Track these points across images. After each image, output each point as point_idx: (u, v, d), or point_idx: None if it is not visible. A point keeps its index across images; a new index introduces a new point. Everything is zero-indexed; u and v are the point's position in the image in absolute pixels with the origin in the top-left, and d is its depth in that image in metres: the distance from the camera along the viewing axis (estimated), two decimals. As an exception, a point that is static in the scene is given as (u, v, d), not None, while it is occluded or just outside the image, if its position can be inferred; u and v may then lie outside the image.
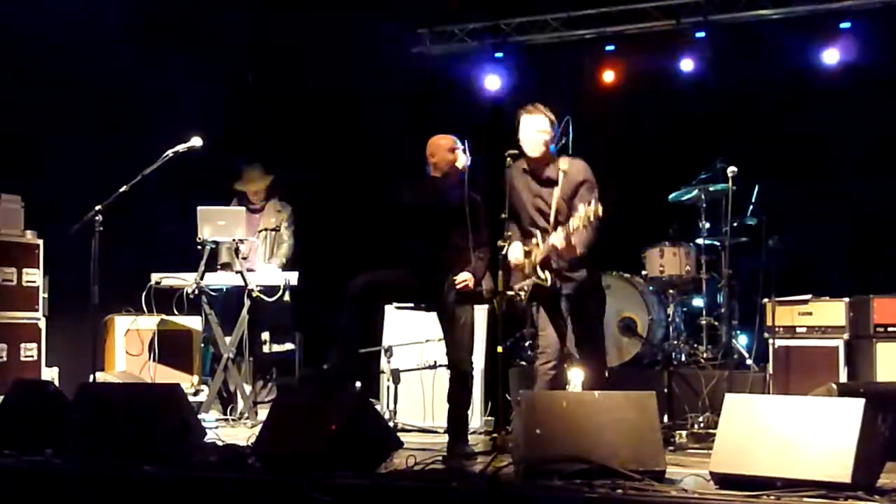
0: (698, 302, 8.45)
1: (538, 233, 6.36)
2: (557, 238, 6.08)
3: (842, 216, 9.01)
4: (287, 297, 8.31)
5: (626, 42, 10.20)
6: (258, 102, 10.53)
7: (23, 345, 7.90)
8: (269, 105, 10.53)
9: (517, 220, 6.49)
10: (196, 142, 7.21)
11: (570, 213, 6.14)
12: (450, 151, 6.58)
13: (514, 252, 6.34)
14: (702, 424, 7.10)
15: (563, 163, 6.38)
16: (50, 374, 8.05)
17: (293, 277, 8.17)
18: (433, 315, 6.76)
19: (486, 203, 6.64)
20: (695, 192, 8.34)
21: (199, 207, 8.07)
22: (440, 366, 6.91)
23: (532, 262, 6.32)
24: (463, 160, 6.53)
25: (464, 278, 6.44)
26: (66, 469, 5.66)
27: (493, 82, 10.58)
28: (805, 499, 4.54)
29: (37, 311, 8.03)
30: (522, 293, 6.44)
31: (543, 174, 6.40)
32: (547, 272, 6.28)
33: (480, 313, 7.72)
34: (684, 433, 6.89)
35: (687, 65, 9.84)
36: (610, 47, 10.24)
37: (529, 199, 6.47)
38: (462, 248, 6.49)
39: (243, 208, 8.48)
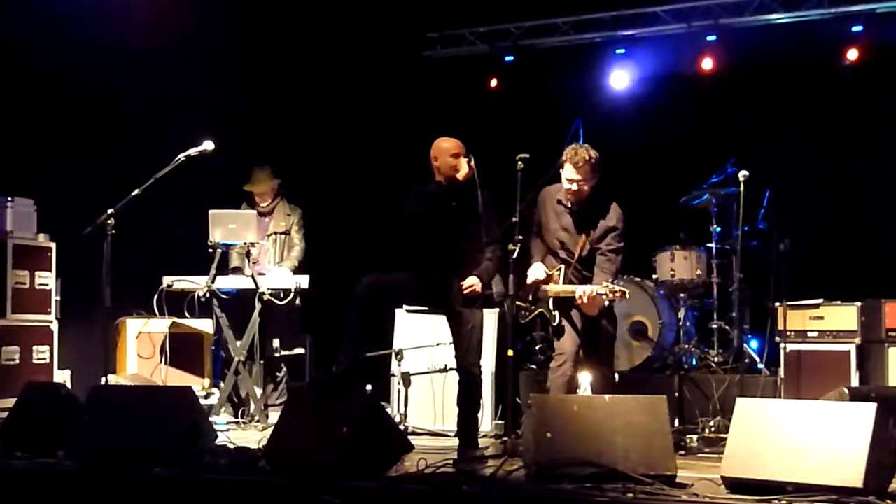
0: (709, 306, 8.44)
1: (560, 264, 6.60)
2: (581, 292, 6.27)
3: (854, 220, 9.00)
4: (298, 301, 8.34)
5: (636, 46, 10.19)
6: (269, 105, 10.54)
7: (35, 347, 7.93)
8: (279, 108, 10.55)
9: (542, 238, 6.70)
10: (208, 145, 7.22)
11: (594, 251, 6.49)
12: (453, 157, 6.55)
13: (536, 272, 6.58)
14: (712, 429, 7.10)
15: (598, 206, 6.55)
16: (62, 376, 8.07)
17: (304, 280, 8.18)
18: (444, 318, 6.75)
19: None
20: (706, 196, 8.33)
21: (210, 211, 8.09)
22: (451, 369, 6.91)
23: (547, 291, 6.55)
24: (465, 170, 6.50)
25: (470, 283, 6.41)
26: (78, 471, 5.67)
27: (503, 86, 10.58)
28: (816, 503, 4.53)
29: (49, 313, 8.06)
30: (527, 314, 6.68)
31: (576, 211, 6.60)
32: (556, 312, 6.54)
33: (491, 316, 7.72)
34: (695, 437, 6.90)
35: (697, 69, 9.82)
36: (620, 51, 10.23)
37: (557, 227, 6.66)
38: (469, 250, 6.48)
39: (254, 212, 8.50)
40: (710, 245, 8.37)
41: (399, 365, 7.66)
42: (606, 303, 6.36)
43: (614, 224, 6.57)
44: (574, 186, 6.51)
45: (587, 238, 6.54)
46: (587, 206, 6.58)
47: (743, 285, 7.93)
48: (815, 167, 9.15)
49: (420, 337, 7.75)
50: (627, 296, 6.28)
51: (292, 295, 8.10)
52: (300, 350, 8.67)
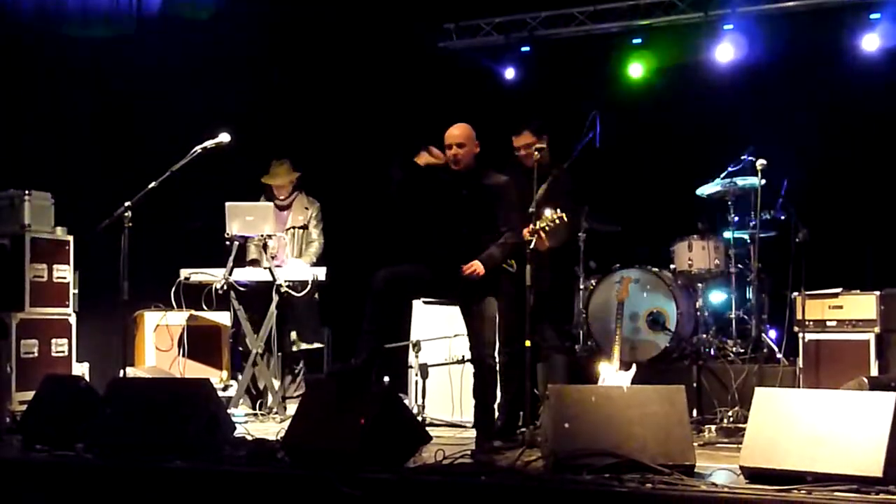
0: (727, 296, 8.40)
1: None
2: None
3: (873, 208, 8.95)
4: (315, 294, 8.35)
5: (653, 35, 10.16)
6: (287, 98, 10.55)
7: (54, 340, 7.95)
8: (297, 101, 10.56)
9: None
10: (224, 138, 7.22)
11: None
12: (447, 146, 6.51)
13: None
14: (731, 419, 7.08)
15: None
16: (81, 369, 8.09)
17: (321, 273, 8.18)
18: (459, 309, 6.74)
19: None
20: (723, 186, 8.29)
21: (227, 203, 8.10)
22: (468, 360, 6.91)
23: None
24: (439, 160, 6.50)
25: (470, 266, 6.32)
26: (97, 463, 5.71)
27: (519, 77, 10.57)
28: (836, 493, 4.52)
29: (67, 307, 8.08)
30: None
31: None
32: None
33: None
34: (713, 427, 6.88)
35: (714, 57, 9.78)
36: (637, 40, 10.19)
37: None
38: (483, 240, 6.43)
39: (271, 204, 8.51)
40: (727, 235, 8.33)
41: (416, 356, 7.66)
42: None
43: None
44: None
45: None
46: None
47: (761, 275, 7.90)
48: (834, 155, 9.10)
49: (437, 328, 7.75)
50: None
51: (310, 287, 8.10)
52: (318, 343, 8.68)
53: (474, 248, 6.40)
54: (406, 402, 7.39)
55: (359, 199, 10.02)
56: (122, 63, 9.12)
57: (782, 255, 7.54)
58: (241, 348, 8.52)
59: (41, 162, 8.33)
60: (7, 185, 7.93)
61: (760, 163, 7.21)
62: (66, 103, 8.64)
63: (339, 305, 8.67)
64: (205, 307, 8.25)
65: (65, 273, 8.09)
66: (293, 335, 8.51)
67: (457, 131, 6.53)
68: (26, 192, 7.88)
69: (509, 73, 10.61)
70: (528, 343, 6.34)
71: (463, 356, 7.39)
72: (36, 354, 7.80)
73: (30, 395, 6.91)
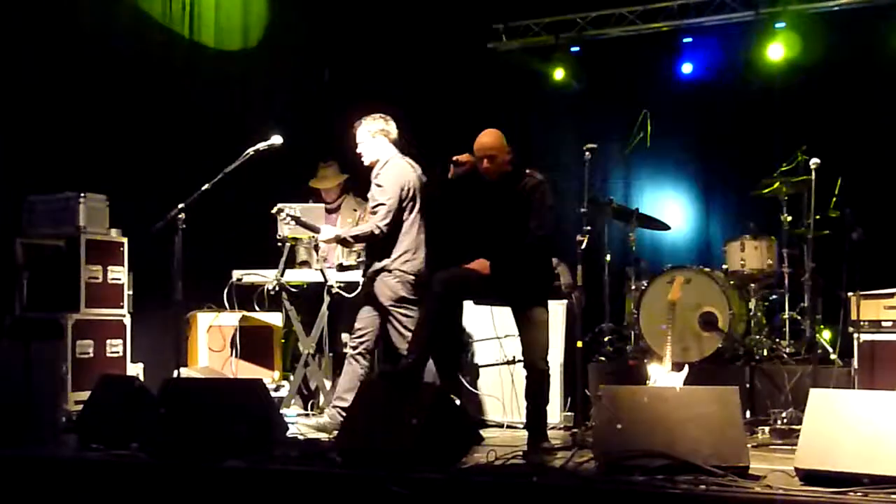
0: (780, 296, 8.33)
1: None
2: None
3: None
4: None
5: (703, 34, 10.10)
6: (335, 100, 10.58)
7: (109, 341, 8.02)
8: (345, 102, 10.58)
9: None
10: (276, 140, 7.24)
11: None
12: (509, 151, 6.50)
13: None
14: (785, 420, 7.00)
15: None
16: (135, 369, 8.16)
17: (372, 274, 8.19)
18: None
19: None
20: (776, 185, 8.22)
21: (278, 205, 8.13)
22: (519, 361, 6.90)
23: None
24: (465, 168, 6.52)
25: (476, 266, 6.34)
26: (152, 463, 5.77)
27: (568, 77, 10.54)
28: (893, 496, 4.47)
29: (122, 308, 8.15)
30: None
31: None
32: None
33: (559, 308, 7.71)
34: (767, 429, 6.82)
35: (767, 55, 9.70)
36: (687, 40, 10.14)
37: None
38: (519, 244, 6.39)
39: (322, 205, 8.55)
40: (780, 234, 8.26)
41: (468, 357, 7.65)
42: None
43: None
44: None
45: None
46: None
47: (815, 275, 7.82)
48: (888, 153, 8.99)
49: (488, 329, 7.74)
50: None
51: (360, 288, 8.11)
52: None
53: (512, 252, 6.37)
54: (457, 402, 7.42)
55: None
56: (175, 65, 9.19)
57: (836, 254, 7.45)
58: (292, 349, 8.57)
59: (96, 164, 8.41)
60: (62, 187, 8.00)
61: (814, 161, 7.15)
62: (121, 106, 8.71)
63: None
64: (257, 308, 8.30)
65: (119, 274, 8.16)
66: (344, 336, 8.53)
67: (486, 140, 6.47)
68: (81, 194, 7.94)
69: (558, 74, 10.59)
70: (579, 344, 6.33)
71: (514, 356, 7.38)
72: (91, 355, 7.87)
73: (85, 395, 6.99)
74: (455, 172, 6.53)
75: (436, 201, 6.93)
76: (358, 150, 7.32)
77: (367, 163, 7.29)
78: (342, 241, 7.31)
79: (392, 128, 7.35)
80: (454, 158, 6.53)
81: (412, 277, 7.06)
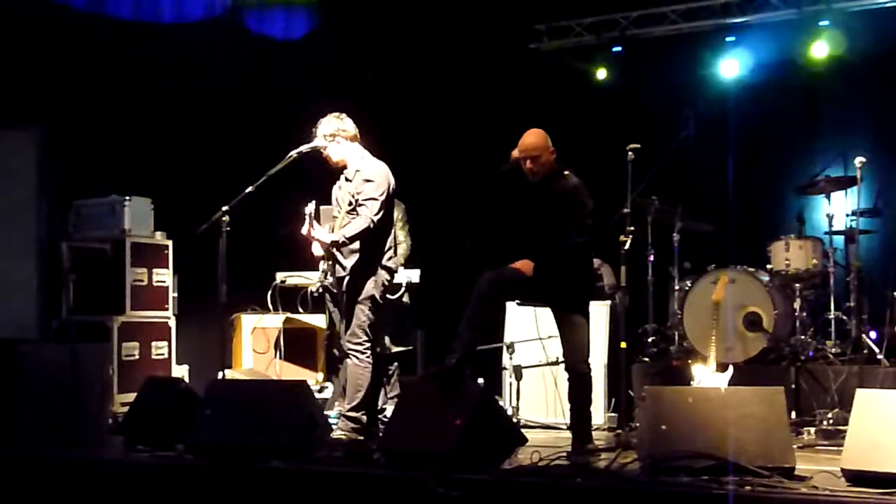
0: (825, 296, 8.26)
1: None
2: None
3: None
4: (406, 298, 8.37)
5: (746, 33, 10.04)
6: (376, 101, 10.61)
7: (154, 343, 8.10)
8: (386, 104, 10.62)
9: None
10: (319, 142, 7.28)
11: None
12: (553, 151, 6.47)
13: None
14: (831, 421, 6.95)
15: None
16: (180, 371, 8.23)
17: (414, 275, 8.21)
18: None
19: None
20: (820, 184, 8.16)
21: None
22: (562, 362, 6.89)
23: None
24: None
25: (520, 266, 6.30)
26: (197, 464, 5.80)
27: (611, 77, 10.52)
28: (941, 496, 4.43)
29: (167, 310, 8.22)
30: None
31: None
32: None
33: (602, 309, 7.69)
34: (812, 430, 6.77)
35: (811, 53, 9.63)
36: (730, 38, 10.08)
37: None
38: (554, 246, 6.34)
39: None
40: (825, 234, 8.19)
41: (511, 358, 7.66)
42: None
43: None
44: None
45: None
46: None
47: (861, 274, 7.75)
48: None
49: (531, 330, 7.72)
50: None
51: (402, 290, 8.13)
52: (407, 346, 8.70)
53: (552, 256, 6.34)
54: (501, 403, 7.42)
55: (448, 200, 10.05)
56: (219, 69, 9.26)
57: (882, 253, 7.40)
58: (336, 350, 8.58)
59: (141, 167, 8.49)
60: (108, 190, 8.09)
61: (859, 160, 7.10)
62: (165, 109, 8.78)
63: (431, 308, 8.68)
64: (300, 310, 8.34)
65: (164, 277, 8.23)
66: (386, 339, 8.54)
67: (530, 140, 6.44)
68: (126, 197, 8.03)
69: (601, 74, 10.56)
70: (623, 345, 6.31)
71: (557, 358, 7.36)
72: (137, 357, 7.95)
73: (131, 396, 7.05)
74: (503, 169, 6.52)
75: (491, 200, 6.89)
76: (325, 154, 7.17)
77: (333, 164, 7.18)
78: (335, 245, 7.11)
79: (349, 125, 7.21)
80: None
81: (389, 277, 7.11)
